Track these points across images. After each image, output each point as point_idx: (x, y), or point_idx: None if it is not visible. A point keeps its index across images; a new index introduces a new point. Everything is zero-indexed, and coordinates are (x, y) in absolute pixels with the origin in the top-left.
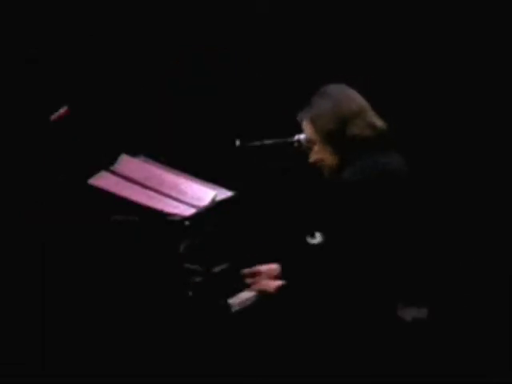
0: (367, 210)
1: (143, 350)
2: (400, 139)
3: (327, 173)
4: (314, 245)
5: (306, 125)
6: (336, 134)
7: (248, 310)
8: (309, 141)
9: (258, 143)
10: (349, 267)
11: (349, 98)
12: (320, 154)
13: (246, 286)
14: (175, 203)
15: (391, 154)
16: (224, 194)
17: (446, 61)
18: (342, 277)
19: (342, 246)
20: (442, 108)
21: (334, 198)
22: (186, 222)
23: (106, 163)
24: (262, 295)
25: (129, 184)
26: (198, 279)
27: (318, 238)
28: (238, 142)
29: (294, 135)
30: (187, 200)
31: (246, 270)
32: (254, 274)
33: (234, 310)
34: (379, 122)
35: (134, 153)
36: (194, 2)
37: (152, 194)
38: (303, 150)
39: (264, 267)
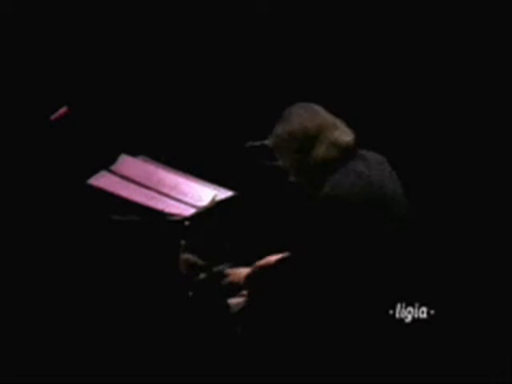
0: (353, 220)
1: (143, 350)
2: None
3: (309, 191)
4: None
5: (274, 153)
6: (300, 162)
7: (247, 310)
8: (282, 166)
9: (257, 143)
10: (341, 271)
11: (305, 121)
12: (296, 179)
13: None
14: (175, 203)
15: (368, 157)
16: (224, 193)
17: (438, 66)
18: (333, 286)
19: (330, 258)
20: (429, 112)
21: (315, 214)
22: (186, 222)
23: (106, 163)
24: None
25: (129, 184)
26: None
27: None
28: (251, 143)
29: None
30: (187, 200)
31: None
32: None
33: (233, 310)
34: (345, 137)
35: (133, 153)
36: (194, 2)
37: (152, 193)
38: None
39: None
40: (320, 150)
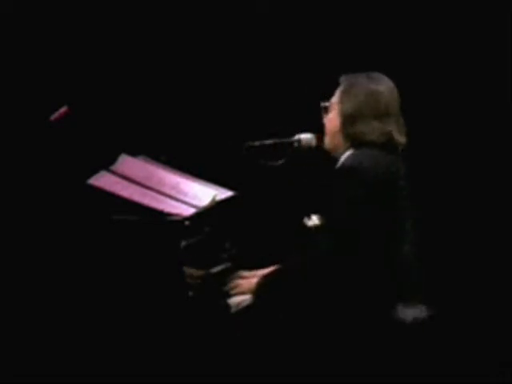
0: (357, 196)
1: (143, 350)
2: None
3: (328, 141)
4: (310, 227)
5: (339, 89)
6: (349, 119)
7: (246, 310)
8: (329, 104)
9: (257, 143)
10: (341, 251)
11: (394, 91)
12: (329, 123)
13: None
14: (175, 203)
15: (394, 156)
16: (224, 193)
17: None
18: (334, 268)
19: (333, 231)
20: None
21: (329, 183)
22: (186, 222)
23: (106, 163)
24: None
25: (129, 184)
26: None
27: (314, 221)
28: (247, 144)
29: (293, 135)
30: (187, 200)
31: (246, 273)
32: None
33: (233, 310)
34: (399, 136)
35: (133, 153)
36: (194, 2)
37: (152, 193)
38: (303, 149)
39: (262, 271)
40: (365, 129)
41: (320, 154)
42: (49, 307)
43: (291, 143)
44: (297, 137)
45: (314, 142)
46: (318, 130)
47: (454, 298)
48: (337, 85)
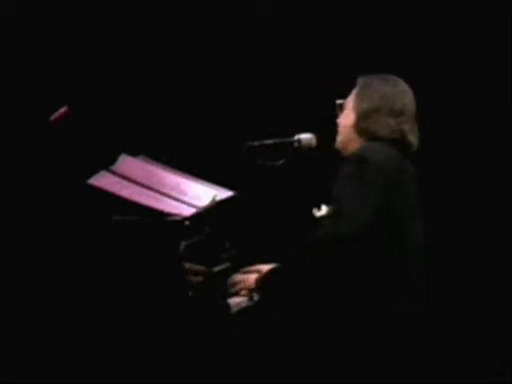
0: (361, 181)
1: (143, 350)
2: None
3: (340, 138)
4: (318, 218)
5: (355, 88)
6: (363, 114)
7: (246, 310)
8: (344, 103)
9: (257, 143)
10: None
11: (397, 99)
12: (344, 118)
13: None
14: (175, 203)
15: (404, 155)
16: (224, 193)
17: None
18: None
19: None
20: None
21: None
22: (186, 222)
23: (106, 163)
24: (249, 294)
25: (129, 184)
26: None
27: (323, 211)
28: (247, 144)
29: (293, 135)
30: (187, 200)
31: (246, 269)
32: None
33: (233, 310)
34: (412, 137)
35: (133, 153)
36: (194, 2)
37: (152, 193)
38: (303, 149)
39: (265, 266)
40: (379, 126)
41: (320, 154)
42: (49, 307)
43: (291, 143)
44: (297, 137)
45: (314, 142)
46: (318, 129)
47: (454, 297)
48: (337, 85)
